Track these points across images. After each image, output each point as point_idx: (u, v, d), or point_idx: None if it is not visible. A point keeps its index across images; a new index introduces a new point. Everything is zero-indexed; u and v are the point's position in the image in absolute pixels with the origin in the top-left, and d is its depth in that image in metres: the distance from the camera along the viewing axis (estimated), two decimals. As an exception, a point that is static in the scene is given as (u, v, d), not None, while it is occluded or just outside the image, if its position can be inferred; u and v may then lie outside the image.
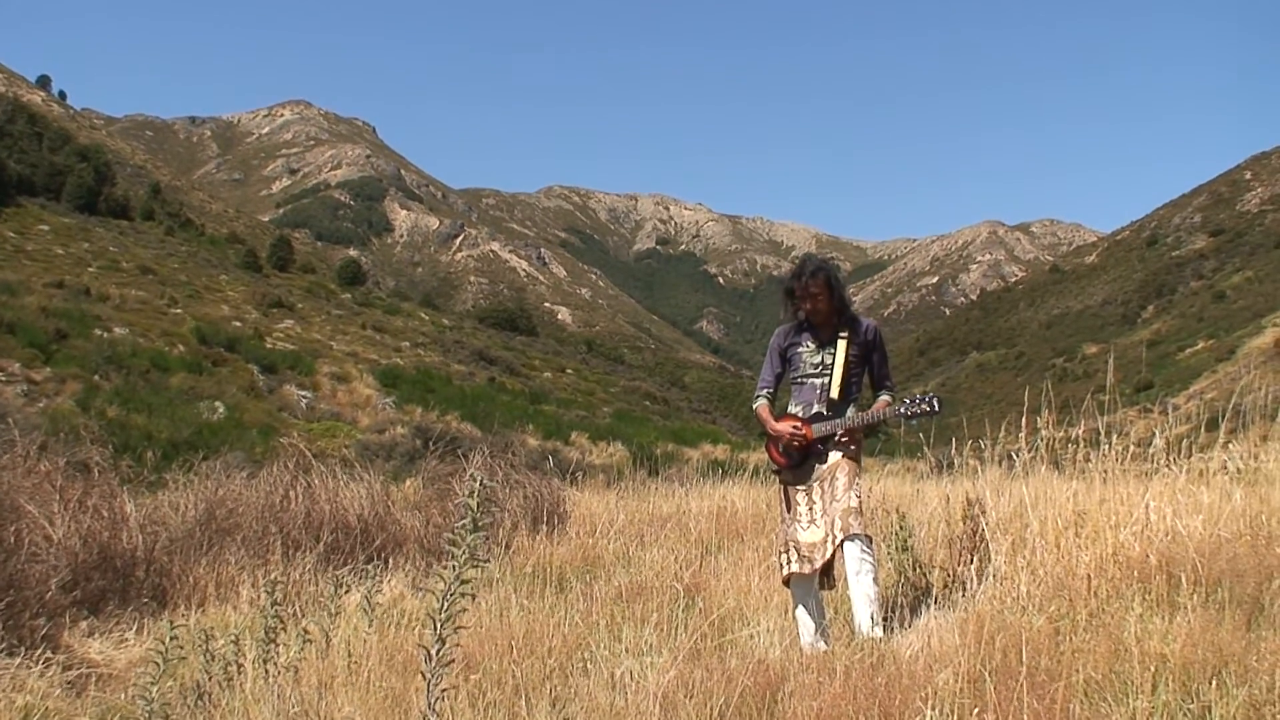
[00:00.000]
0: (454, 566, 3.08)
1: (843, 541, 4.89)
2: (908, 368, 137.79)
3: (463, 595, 3.10)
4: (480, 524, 3.13)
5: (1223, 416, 6.42)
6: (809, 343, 5.28)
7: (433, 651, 3.05)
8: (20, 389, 23.98)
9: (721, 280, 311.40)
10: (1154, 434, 6.16)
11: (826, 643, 4.87)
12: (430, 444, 14.00)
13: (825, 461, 5.15)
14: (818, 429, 5.13)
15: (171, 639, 3.74)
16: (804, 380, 5.27)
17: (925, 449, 7.85)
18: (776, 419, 5.28)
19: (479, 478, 3.12)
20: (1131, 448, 5.95)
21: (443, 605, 3.06)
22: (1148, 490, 5.41)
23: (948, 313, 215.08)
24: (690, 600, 5.83)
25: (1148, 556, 4.89)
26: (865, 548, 4.89)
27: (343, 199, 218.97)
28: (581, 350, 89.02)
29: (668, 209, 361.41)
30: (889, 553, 5.91)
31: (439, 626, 3.05)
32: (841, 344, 5.21)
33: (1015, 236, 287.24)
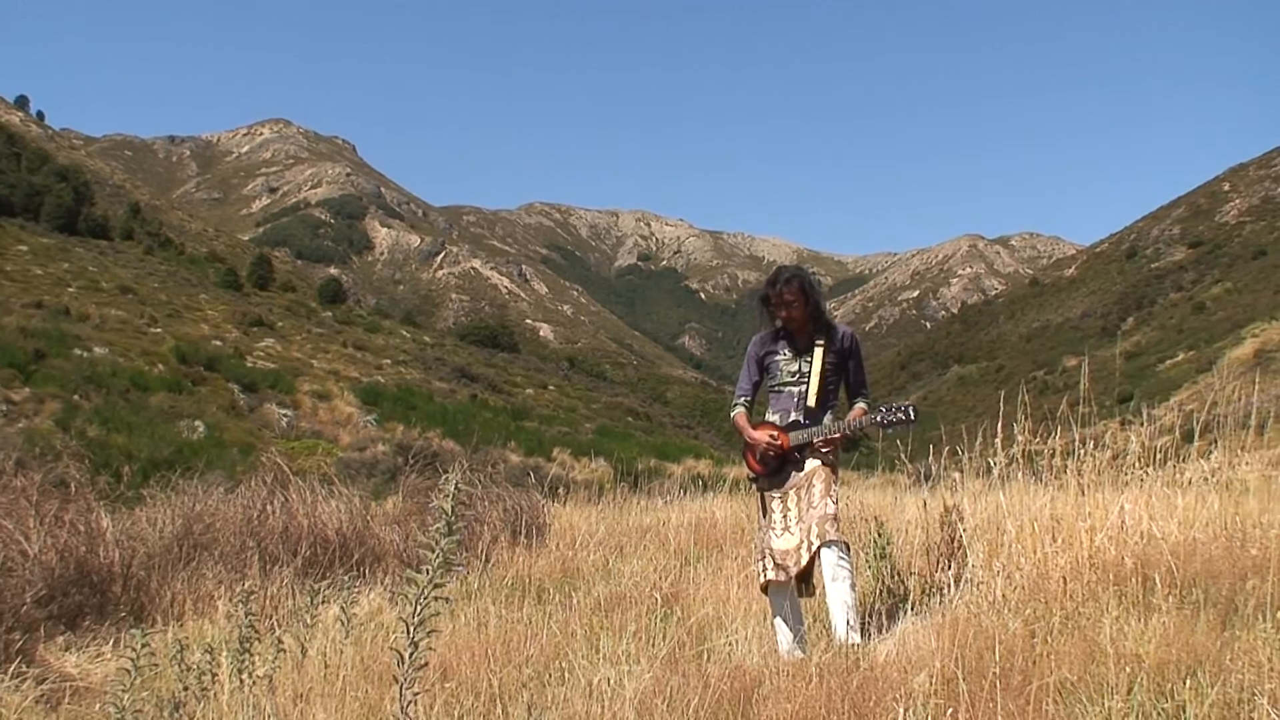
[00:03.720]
0: (427, 570, 3.07)
1: (819, 548, 4.90)
2: (889, 381, 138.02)
3: (436, 599, 3.09)
4: (454, 528, 3.12)
5: (1197, 424, 6.46)
6: (786, 350, 5.28)
7: (406, 656, 3.04)
8: (-2, 409, 23.85)
9: (703, 295, 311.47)
10: (1130, 440, 6.19)
11: (804, 649, 4.87)
12: (410, 459, 13.94)
13: (802, 469, 5.15)
14: (794, 437, 5.13)
15: (143, 646, 3.72)
16: (781, 388, 5.28)
17: (903, 458, 7.84)
18: (754, 427, 5.29)
19: (453, 481, 3.12)
20: (1108, 455, 5.98)
21: (416, 609, 3.05)
22: (1123, 495, 5.44)
23: (929, 326, 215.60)
24: (669, 610, 5.83)
25: (1123, 559, 4.92)
26: (842, 554, 4.89)
27: (323, 217, 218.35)
28: (563, 367, 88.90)
29: (649, 225, 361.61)
30: (867, 560, 5.93)
31: (412, 631, 3.04)
32: (818, 352, 5.21)
33: (995, 250, 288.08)
